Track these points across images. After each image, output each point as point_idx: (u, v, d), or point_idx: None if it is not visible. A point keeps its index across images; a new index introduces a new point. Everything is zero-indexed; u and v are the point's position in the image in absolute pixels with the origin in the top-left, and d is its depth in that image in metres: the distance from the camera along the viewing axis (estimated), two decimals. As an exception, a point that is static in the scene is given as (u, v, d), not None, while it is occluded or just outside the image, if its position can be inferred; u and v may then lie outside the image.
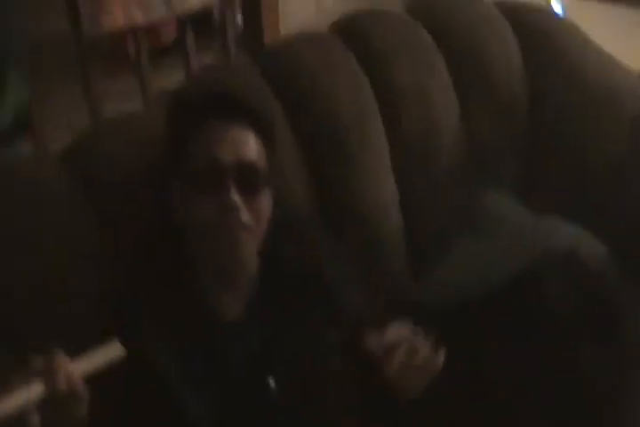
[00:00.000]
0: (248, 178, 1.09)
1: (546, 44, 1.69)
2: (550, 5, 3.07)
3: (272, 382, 1.10)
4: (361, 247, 1.46)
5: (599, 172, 1.62)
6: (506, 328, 1.38)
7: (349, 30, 1.57)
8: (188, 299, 1.12)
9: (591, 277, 1.44)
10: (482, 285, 1.42)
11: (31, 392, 0.77)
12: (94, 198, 1.19)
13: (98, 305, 1.14)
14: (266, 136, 1.15)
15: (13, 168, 1.25)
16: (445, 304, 1.43)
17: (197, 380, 1.08)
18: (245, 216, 1.07)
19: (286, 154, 1.38)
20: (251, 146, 1.11)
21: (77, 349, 0.88)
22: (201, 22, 2.41)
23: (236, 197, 1.06)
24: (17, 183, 1.18)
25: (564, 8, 3.08)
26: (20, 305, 1.11)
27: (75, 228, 1.17)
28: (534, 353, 1.35)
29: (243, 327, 1.12)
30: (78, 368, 0.83)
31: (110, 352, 0.86)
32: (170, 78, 2.47)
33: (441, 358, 1.02)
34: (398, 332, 1.01)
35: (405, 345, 1.00)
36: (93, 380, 0.87)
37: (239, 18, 2.46)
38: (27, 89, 1.79)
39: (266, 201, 1.12)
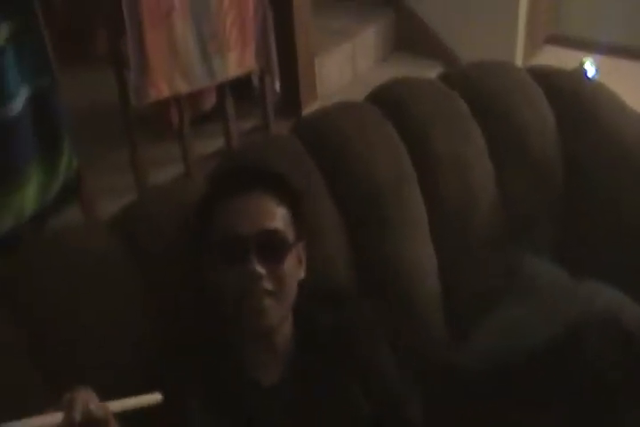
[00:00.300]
0: (271, 246, 1.12)
1: (579, 108, 1.71)
2: (584, 67, 3.12)
3: None
4: (398, 312, 1.46)
5: (636, 236, 1.61)
6: (546, 391, 1.37)
7: (386, 99, 1.61)
8: (227, 363, 1.14)
9: (632, 340, 1.42)
10: (520, 349, 1.42)
11: (49, 418, 0.89)
12: (141, 265, 1.23)
13: (138, 362, 1.17)
14: (292, 202, 1.18)
15: (64, 236, 1.29)
16: (483, 368, 1.43)
17: None
18: (268, 284, 1.10)
19: (324, 219, 1.41)
20: (273, 214, 1.14)
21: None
22: (240, 88, 2.49)
23: (257, 267, 1.08)
24: (67, 251, 1.22)
25: (597, 69, 3.11)
26: (67, 361, 1.14)
27: (122, 293, 1.21)
28: (576, 416, 1.34)
29: (279, 392, 1.14)
30: (113, 404, 0.94)
31: (148, 399, 0.96)
32: (210, 144, 2.55)
33: None
34: None
35: None
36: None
37: (277, 84, 2.53)
38: (76, 156, 1.86)
39: (292, 266, 1.14)
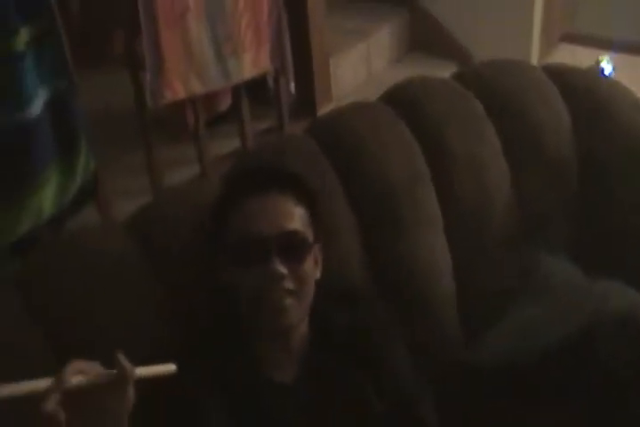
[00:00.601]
0: (291, 247, 1.11)
1: (594, 105, 1.70)
2: (600, 64, 3.10)
3: None
4: (412, 311, 1.47)
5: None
6: (559, 390, 1.36)
7: (400, 99, 1.61)
8: (241, 362, 1.14)
9: None
10: (534, 349, 1.41)
11: (41, 382, 0.85)
12: (156, 266, 1.23)
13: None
14: (309, 202, 1.18)
15: (80, 238, 1.30)
16: (497, 368, 1.42)
17: None
18: (290, 284, 1.10)
19: (339, 219, 1.41)
20: (292, 215, 1.14)
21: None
22: (255, 89, 2.49)
23: (279, 267, 1.08)
24: (83, 253, 1.23)
25: (614, 67, 3.10)
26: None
27: (137, 294, 1.21)
28: (588, 414, 1.33)
29: (293, 391, 1.14)
30: None
31: (162, 369, 0.93)
32: (226, 145, 2.56)
33: None
34: None
35: None
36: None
37: (292, 85, 2.53)
38: (93, 158, 1.87)
39: (311, 266, 1.14)
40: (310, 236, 1.16)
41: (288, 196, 1.15)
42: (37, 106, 1.67)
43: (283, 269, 1.08)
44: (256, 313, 1.12)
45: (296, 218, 1.14)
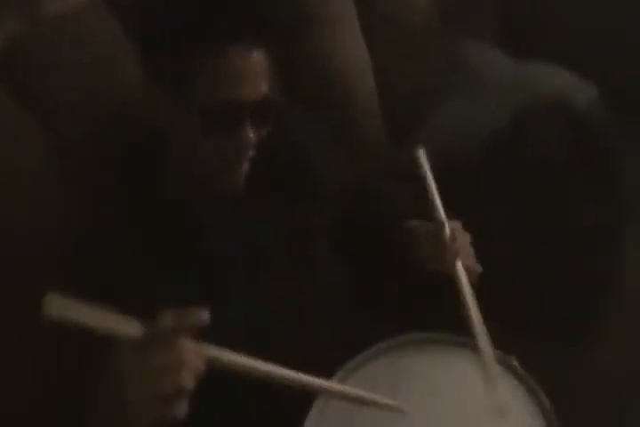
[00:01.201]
0: (263, 113, 0.98)
1: None
2: None
3: None
4: (336, 116, 1.41)
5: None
6: (498, 184, 1.35)
7: None
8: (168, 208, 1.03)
9: (580, 122, 1.39)
10: (470, 144, 1.39)
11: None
12: (44, 118, 1.07)
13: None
14: (273, 47, 1.00)
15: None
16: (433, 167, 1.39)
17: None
18: (253, 150, 1.00)
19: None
20: (267, 74, 0.98)
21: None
22: None
23: (250, 135, 0.97)
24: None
25: None
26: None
27: (25, 152, 1.06)
28: (529, 208, 1.33)
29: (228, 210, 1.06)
30: None
31: None
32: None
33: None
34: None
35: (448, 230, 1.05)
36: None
37: None
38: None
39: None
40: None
41: (262, 42, 0.96)
42: None
43: (252, 136, 0.97)
44: (205, 172, 1.01)
45: (269, 74, 0.98)
